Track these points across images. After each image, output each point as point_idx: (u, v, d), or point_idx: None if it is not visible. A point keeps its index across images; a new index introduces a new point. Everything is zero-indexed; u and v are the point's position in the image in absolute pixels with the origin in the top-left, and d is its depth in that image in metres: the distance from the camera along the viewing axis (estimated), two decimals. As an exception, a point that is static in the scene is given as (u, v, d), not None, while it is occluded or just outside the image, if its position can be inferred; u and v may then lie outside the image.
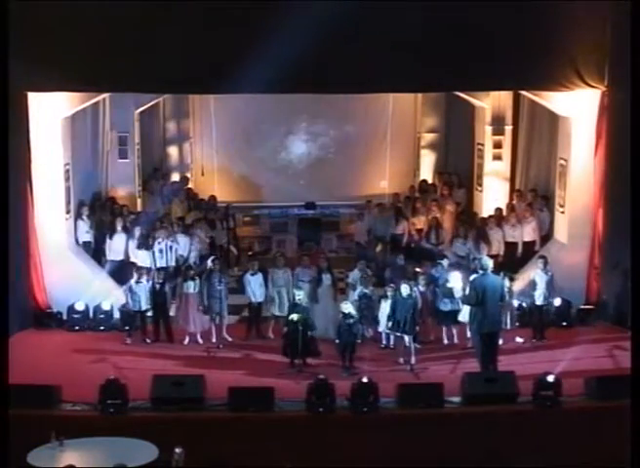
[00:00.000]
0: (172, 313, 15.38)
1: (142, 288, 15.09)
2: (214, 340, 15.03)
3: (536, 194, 18.59)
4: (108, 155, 19.70)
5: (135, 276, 15.23)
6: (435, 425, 11.96)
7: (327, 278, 15.30)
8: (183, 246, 17.18)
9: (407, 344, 14.02)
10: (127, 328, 15.25)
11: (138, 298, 15.05)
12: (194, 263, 16.86)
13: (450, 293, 14.53)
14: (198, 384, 12.28)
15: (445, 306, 14.83)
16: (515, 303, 15.31)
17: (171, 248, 16.88)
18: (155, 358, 14.34)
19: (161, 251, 16.80)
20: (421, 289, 14.84)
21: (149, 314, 15.24)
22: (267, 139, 22.41)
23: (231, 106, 21.87)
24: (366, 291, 14.81)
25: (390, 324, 14.11)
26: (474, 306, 13.21)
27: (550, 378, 12.25)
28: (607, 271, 16.02)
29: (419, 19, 14.70)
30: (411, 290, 14.19)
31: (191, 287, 15.10)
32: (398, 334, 14.08)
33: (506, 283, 14.84)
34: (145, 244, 16.79)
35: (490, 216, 18.24)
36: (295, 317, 13.70)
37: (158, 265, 16.53)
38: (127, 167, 20.09)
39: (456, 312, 14.74)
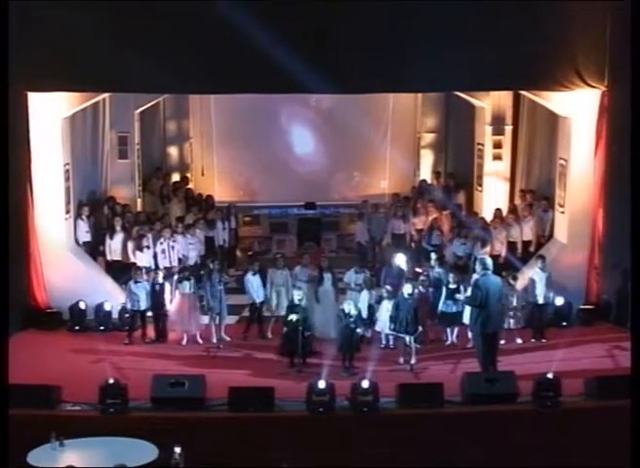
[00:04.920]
0: (168, 313, 15.37)
1: (142, 288, 15.09)
2: (213, 340, 15.03)
3: (532, 194, 18.58)
4: (108, 155, 19.68)
5: (134, 276, 15.24)
6: (435, 425, 11.96)
7: (327, 278, 15.28)
8: (183, 246, 17.20)
9: (407, 344, 14.02)
10: (127, 328, 15.27)
11: (137, 298, 15.04)
12: (194, 263, 16.88)
13: (453, 295, 14.54)
14: (198, 384, 12.28)
15: (448, 308, 14.80)
16: (515, 302, 15.30)
17: (173, 248, 16.92)
18: (155, 358, 14.34)
19: (163, 251, 16.84)
20: (421, 289, 14.83)
21: (149, 314, 15.24)
22: (267, 139, 22.38)
23: (231, 106, 21.86)
24: (371, 292, 14.82)
25: (393, 324, 14.11)
26: (477, 307, 13.16)
27: (550, 378, 12.25)
28: (607, 271, 16.02)
29: (419, 18, 14.72)
30: (413, 290, 14.19)
31: (187, 287, 15.11)
32: (400, 335, 14.06)
33: (510, 282, 14.86)
34: (142, 244, 16.78)
35: (494, 217, 18.21)
36: (294, 317, 13.71)
37: (161, 266, 16.56)
38: (127, 167, 20.06)
39: (458, 314, 14.71)
